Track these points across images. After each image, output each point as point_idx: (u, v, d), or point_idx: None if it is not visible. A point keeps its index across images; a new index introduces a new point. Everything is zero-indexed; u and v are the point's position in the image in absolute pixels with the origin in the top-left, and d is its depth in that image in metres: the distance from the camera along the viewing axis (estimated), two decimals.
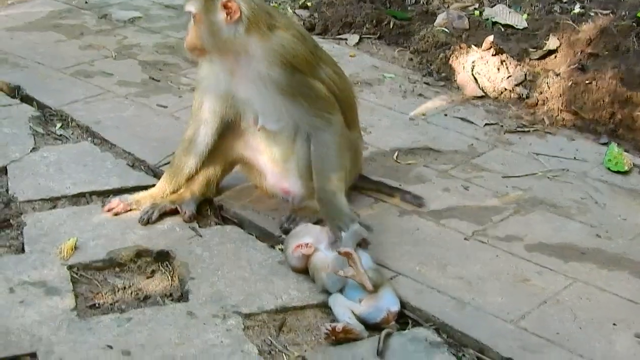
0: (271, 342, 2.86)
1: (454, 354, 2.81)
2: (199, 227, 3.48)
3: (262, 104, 3.29)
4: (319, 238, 3.19)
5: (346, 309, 2.91)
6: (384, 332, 2.81)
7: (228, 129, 3.48)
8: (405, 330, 2.92)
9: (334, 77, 3.40)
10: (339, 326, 2.81)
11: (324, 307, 3.03)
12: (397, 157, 4.04)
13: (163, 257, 3.30)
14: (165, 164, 3.75)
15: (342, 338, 2.83)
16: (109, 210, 3.51)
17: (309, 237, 3.19)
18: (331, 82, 3.35)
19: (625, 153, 4.07)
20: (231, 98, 3.35)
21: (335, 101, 3.35)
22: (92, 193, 3.67)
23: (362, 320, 2.88)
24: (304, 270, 3.17)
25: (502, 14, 5.27)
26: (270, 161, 3.48)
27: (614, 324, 2.96)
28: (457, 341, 2.87)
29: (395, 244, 3.35)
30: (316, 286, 3.09)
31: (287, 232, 3.34)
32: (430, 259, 3.27)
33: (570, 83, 4.55)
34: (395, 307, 2.92)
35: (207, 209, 3.60)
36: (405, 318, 3.00)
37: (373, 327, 2.89)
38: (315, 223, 3.33)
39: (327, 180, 3.27)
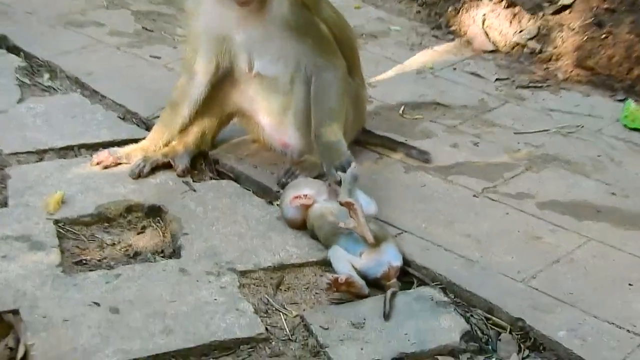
0: (268, 300, 2.80)
1: (461, 314, 2.75)
2: (193, 181, 3.42)
3: (263, 43, 3.21)
4: (318, 191, 3.11)
5: (347, 263, 2.83)
6: (389, 292, 2.74)
7: (224, 79, 3.40)
8: (411, 290, 2.87)
9: (333, 16, 3.35)
10: (342, 277, 2.74)
11: (324, 265, 2.98)
12: (403, 112, 4.00)
13: (154, 212, 3.25)
14: (158, 116, 3.68)
15: (344, 291, 2.76)
16: (98, 164, 3.44)
17: (307, 189, 3.12)
18: (331, 22, 3.30)
19: None
20: (228, 42, 3.26)
21: (336, 46, 3.29)
22: (80, 146, 3.60)
23: (362, 275, 2.82)
24: (301, 225, 3.10)
25: None
26: (267, 113, 3.40)
27: (630, 284, 2.89)
28: (464, 301, 2.82)
29: (401, 201, 3.30)
30: (321, 237, 3.00)
31: (285, 186, 3.27)
32: (437, 216, 3.22)
33: (585, 38, 4.47)
34: (397, 262, 2.85)
35: (202, 162, 3.55)
36: (410, 277, 2.94)
37: (373, 284, 2.83)
38: (315, 178, 3.27)
39: (327, 120, 3.21)
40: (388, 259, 2.84)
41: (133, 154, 3.46)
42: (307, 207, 3.07)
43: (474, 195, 3.38)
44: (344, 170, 3.05)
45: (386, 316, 2.67)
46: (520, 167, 3.59)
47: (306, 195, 3.08)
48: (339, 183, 3.04)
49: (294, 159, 3.44)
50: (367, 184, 3.26)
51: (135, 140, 3.56)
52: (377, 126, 3.79)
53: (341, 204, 2.90)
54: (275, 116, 3.39)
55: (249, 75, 3.30)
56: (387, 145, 3.66)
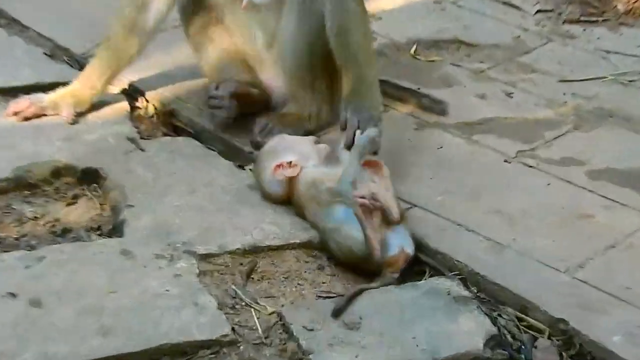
0: (236, 292, 2.79)
1: (486, 314, 2.74)
2: (141, 138, 3.42)
3: None
4: (305, 153, 3.11)
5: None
6: (350, 291, 2.77)
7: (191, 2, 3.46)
8: (421, 281, 2.87)
9: None
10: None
11: (310, 248, 2.98)
12: (415, 52, 4.00)
13: (90, 177, 3.24)
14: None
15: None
16: (15, 114, 3.43)
17: (291, 154, 3.10)
18: None
19: None
20: None
21: None
22: None
23: (364, 257, 2.85)
24: (286, 200, 3.10)
25: None
26: (248, 48, 3.43)
27: None
28: (491, 296, 2.81)
29: (411, 166, 3.30)
30: (313, 212, 3.00)
31: (258, 147, 3.25)
32: (457, 187, 3.22)
33: None
34: (410, 248, 2.87)
35: (153, 114, 3.55)
36: (420, 265, 2.94)
37: (367, 272, 2.85)
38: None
39: (359, 58, 3.22)
40: (401, 241, 2.86)
41: (62, 102, 3.45)
42: (293, 178, 3.07)
43: (506, 161, 3.38)
44: (364, 128, 3.08)
45: (335, 312, 2.69)
46: (566, 124, 3.61)
47: (291, 163, 3.07)
48: (350, 142, 3.05)
49: (274, 110, 3.46)
50: None
51: (66, 84, 3.54)
52: (381, 70, 3.72)
53: (363, 165, 2.91)
54: (256, 52, 3.42)
55: (232, 3, 3.32)
56: (394, 94, 3.66)
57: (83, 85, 3.46)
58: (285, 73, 3.37)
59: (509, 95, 3.77)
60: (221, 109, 3.37)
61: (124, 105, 3.65)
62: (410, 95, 3.66)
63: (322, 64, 3.32)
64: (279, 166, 3.08)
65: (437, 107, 3.60)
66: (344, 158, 3.05)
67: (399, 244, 2.85)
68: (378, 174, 2.90)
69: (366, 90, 3.24)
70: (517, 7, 4.38)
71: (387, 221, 2.87)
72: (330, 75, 3.36)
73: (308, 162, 3.09)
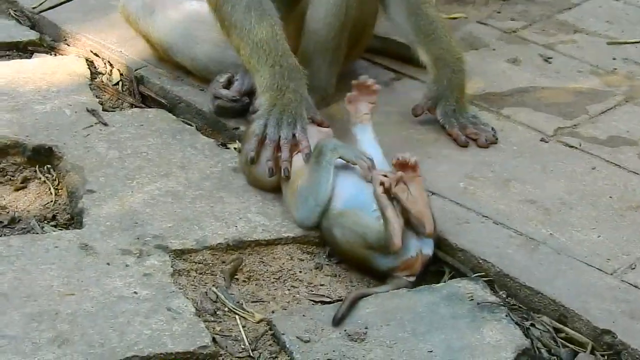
0: (217, 296, 2.82)
1: (517, 323, 2.76)
2: (104, 109, 3.45)
3: None
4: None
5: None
6: (353, 293, 2.81)
7: None
8: (439, 284, 2.89)
9: None
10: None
11: (305, 244, 3.01)
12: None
13: (42, 156, 3.27)
14: (51, 7, 3.74)
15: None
16: None
17: None
18: None
19: None
20: None
21: None
22: None
23: (374, 259, 2.89)
24: (275, 188, 3.15)
25: None
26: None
27: None
28: (522, 302, 2.84)
29: (428, 146, 3.33)
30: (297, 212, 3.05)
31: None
32: (484, 171, 3.24)
33: None
34: (429, 250, 2.90)
35: (120, 80, 3.59)
36: (438, 264, 2.97)
37: (380, 274, 2.88)
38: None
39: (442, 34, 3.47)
40: (420, 243, 2.89)
41: None
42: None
43: (543, 140, 3.40)
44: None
45: (335, 320, 2.72)
46: (615, 96, 3.62)
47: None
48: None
49: None
50: (375, 120, 3.23)
51: (14, 44, 3.59)
52: (394, 29, 3.76)
53: (397, 163, 2.92)
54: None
55: None
56: (409, 57, 3.65)
57: None
58: (310, 43, 3.45)
59: (547, 60, 3.78)
60: (234, 101, 3.42)
61: (84, 70, 3.67)
62: None
63: (348, 38, 3.45)
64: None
65: None
66: (361, 138, 3.12)
67: (418, 246, 2.88)
68: (412, 180, 2.91)
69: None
70: None
71: (417, 232, 2.89)
72: (349, 49, 3.51)
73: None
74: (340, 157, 2.98)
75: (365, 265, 2.91)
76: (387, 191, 2.84)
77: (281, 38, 3.26)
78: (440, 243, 2.97)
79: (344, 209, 2.94)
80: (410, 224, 2.87)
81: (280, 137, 3.13)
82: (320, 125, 3.20)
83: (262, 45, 3.24)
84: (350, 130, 3.16)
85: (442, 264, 2.96)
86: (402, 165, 2.90)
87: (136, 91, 3.58)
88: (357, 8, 3.43)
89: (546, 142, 3.39)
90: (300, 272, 2.91)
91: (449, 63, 3.44)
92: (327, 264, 2.96)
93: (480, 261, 2.92)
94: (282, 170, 3.07)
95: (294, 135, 3.13)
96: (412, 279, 2.88)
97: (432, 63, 3.47)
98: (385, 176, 2.87)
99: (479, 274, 2.90)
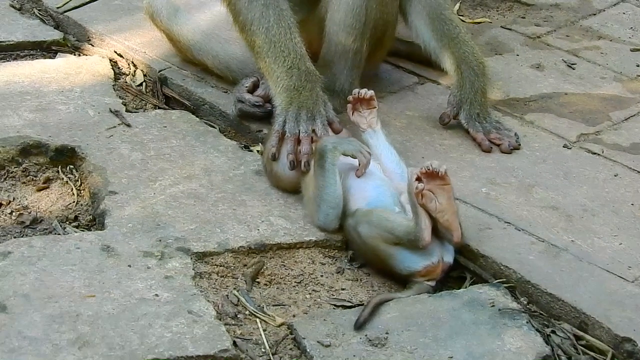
0: (238, 299, 2.81)
1: (537, 330, 2.75)
2: (127, 110, 3.46)
3: None
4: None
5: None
6: (376, 298, 2.81)
7: None
8: (460, 290, 2.88)
9: None
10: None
11: (327, 248, 3.01)
12: (458, 11, 4.03)
13: (65, 156, 3.27)
14: (76, 7, 3.73)
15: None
16: None
17: None
18: None
19: None
20: None
21: None
22: None
23: (396, 261, 2.89)
24: (296, 188, 3.15)
25: None
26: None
27: None
28: (543, 309, 2.83)
29: (451, 151, 3.32)
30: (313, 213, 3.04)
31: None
32: (506, 177, 3.24)
33: None
34: (450, 258, 2.91)
35: (143, 81, 3.60)
36: (459, 269, 2.96)
37: (401, 278, 2.88)
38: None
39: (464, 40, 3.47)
40: (441, 249, 2.89)
41: None
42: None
43: (565, 146, 3.39)
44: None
45: (357, 325, 2.72)
46: (638, 103, 3.62)
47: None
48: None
49: None
50: (399, 125, 3.24)
51: (37, 43, 3.61)
52: (412, 35, 3.71)
53: (424, 174, 2.88)
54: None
55: None
56: (429, 60, 3.65)
57: None
58: (330, 46, 3.46)
59: (571, 66, 3.77)
60: (257, 107, 3.43)
61: (107, 70, 3.67)
62: None
63: (368, 41, 3.46)
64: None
65: None
66: (374, 143, 3.15)
67: (439, 252, 2.88)
68: (442, 189, 2.89)
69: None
70: None
71: (439, 238, 2.90)
72: (370, 53, 3.51)
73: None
74: (342, 154, 2.98)
75: (387, 267, 2.91)
76: (419, 194, 2.84)
77: (299, 41, 3.27)
78: (462, 249, 2.96)
79: (370, 208, 2.95)
80: (436, 231, 2.86)
81: (299, 131, 3.14)
82: (336, 132, 3.20)
83: (279, 46, 3.26)
84: (362, 138, 3.17)
85: (463, 269, 2.96)
86: (431, 175, 2.87)
87: (159, 92, 3.58)
88: (377, 10, 3.42)
89: (569, 148, 3.39)
90: (322, 276, 2.92)
91: (472, 66, 3.44)
92: (349, 268, 2.95)
93: (502, 267, 2.91)
94: (303, 164, 3.07)
95: (313, 130, 3.14)
96: (432, 283, 2.88)
97: (455, 66, 3.46)
98: (420, 179, 2.86)
99: (500, 280, 2.90)
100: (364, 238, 2.93)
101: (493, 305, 2.80)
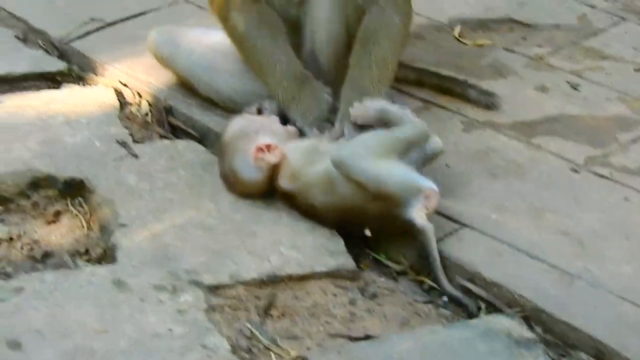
0: (252, 332, 2.80)
1: (553, 359, 2.74)
2: (134, 141, 3.45)
3: None
4: (279, 133, 3.25)
5: None
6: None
7: None
8: (474, 320, 2.87)
9: None
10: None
11: (338, 278, 3.00)
12: (460, 34, 4.01)
13: (74, 189, 3.27)
14: (80, 37, 3.71)
15: None
16: None
17: (266, 135, 3.22)
18: None
19: None
20: None
21: None
22: None
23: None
24: (263, 189, 3.22)
25: None
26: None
27: None
28: (559, 338, 2.81)
29: (458, 176, 3.31)
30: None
31: None
32: (516, 202, 3.22)
33: None
34: (436, 187, 3.06)
35: (149, 111, 3.60)
36: (473, 298, 2.95)
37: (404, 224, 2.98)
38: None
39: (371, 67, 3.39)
40: (426, 183, 3.01)
41: None
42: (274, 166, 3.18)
43: (573, 170, 3.38)
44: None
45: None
46: None
47: (269, 145, 3.17)
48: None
49: None
50: None
51: (43, 75, 3.61)
52: (420, 56, 3.80)
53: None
54: None
55: None
56: (434, 84, 3.69)
57: None
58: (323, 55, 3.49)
59: (575, 87, 3.76)
60: None
61: (113, 100, 3.67)
62: (454, 86, 3.67)
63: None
64: (260, 150, 3.18)
65: (486, 100, 3.61)
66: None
67: (427, 186, 3.00)
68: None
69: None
70: None
71: None
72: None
73: (282, 143, 3.21)
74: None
75: (391, 213, 3.00)
76: None
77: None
78: (474, 277, 2.96)
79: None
80: None
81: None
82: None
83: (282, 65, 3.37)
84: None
85: (477, 298, 2.94)
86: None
87: (165, 122, 3.57)
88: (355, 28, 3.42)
89: (577, 172, 3.37)
90: (334, 307, 2.90)
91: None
92: (361, 299, 2.94)
93: (516, 296, 2.90)
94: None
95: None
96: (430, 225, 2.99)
97: None
98: None
99: (515, 309, 2.88)
100: (371, 171, 3.02)
101: (509, 336, 2.78)
